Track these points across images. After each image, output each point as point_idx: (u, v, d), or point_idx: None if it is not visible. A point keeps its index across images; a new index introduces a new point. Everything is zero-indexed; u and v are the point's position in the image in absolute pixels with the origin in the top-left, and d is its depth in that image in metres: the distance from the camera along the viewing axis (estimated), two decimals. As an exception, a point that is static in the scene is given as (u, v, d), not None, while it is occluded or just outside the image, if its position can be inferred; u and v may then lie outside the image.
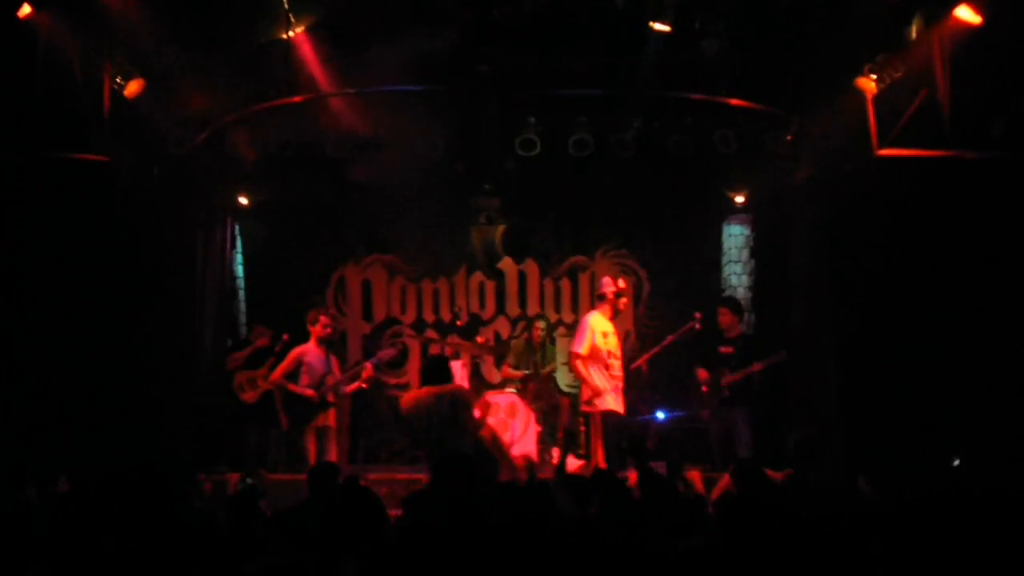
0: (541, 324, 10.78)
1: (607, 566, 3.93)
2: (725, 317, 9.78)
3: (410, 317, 11.75)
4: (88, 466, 7.39)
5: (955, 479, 7.20)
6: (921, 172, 9.01)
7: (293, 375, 9.44)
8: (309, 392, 9.36)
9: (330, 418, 9.51)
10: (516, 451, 9.53)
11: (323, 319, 9.61)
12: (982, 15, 8.14)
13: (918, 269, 9.17)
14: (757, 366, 9.41)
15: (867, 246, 9.37)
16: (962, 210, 9.04)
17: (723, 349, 9.66)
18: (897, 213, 9.15)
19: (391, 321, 11.74)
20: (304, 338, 9.58)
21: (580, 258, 11.86)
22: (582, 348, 8.93)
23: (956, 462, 7.61)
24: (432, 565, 3.87)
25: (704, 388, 9.69)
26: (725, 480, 6.89)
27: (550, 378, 10.90)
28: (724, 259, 11.58)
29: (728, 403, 9.51)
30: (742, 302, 10.40)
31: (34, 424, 8.73)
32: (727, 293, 11.01)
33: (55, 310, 9.00)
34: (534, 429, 9.84)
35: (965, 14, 8.17)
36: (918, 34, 8.57)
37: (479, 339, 11.20)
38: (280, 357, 9.68)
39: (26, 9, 8.09)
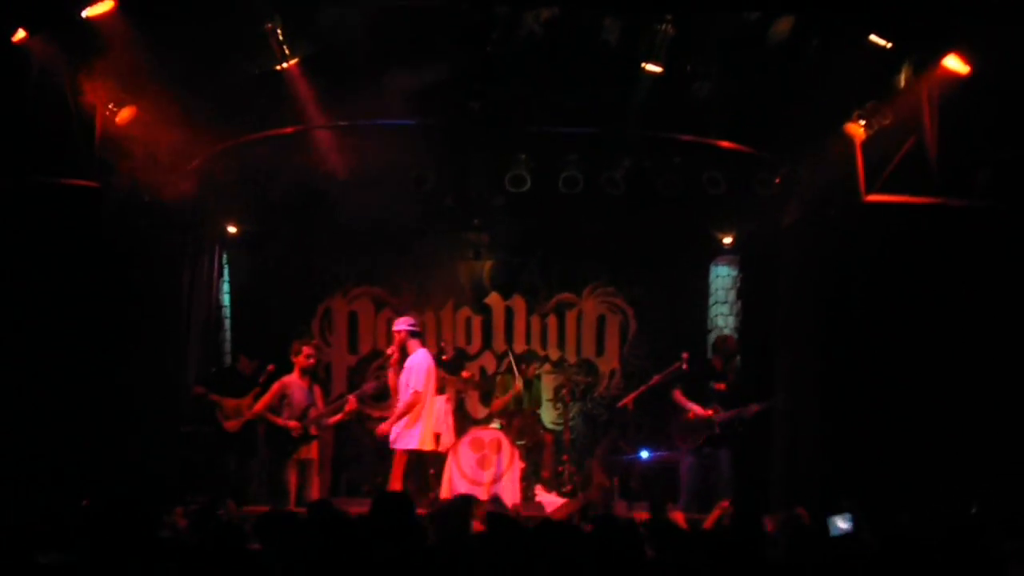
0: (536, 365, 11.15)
1: None
2: (720, 360, 9.74)
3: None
4: (67, 493, 7.32)
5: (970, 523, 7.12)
6: (907, 218, 9.08)
7: (276, 407, 9.39)
8: (292, 424, 9.31)
9: (312, 451, 9.45)
10: (500, 487, 9.52)
11: (306, 350, 9.57)
12: (970, 65, 8.24)
13: (904, 314, 9.19)
14: (755, 407, 9.38)
15: (853, 290, 9.40)
16: (947, 256, 9.09)
17: (717, 385, 9.59)
18: (883, 258, 9.20)
19: (377, 353, 11.71)
20: (289, 369, 9.54)
21: (567, 295, 11.87)
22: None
23: (975, 509, 7.53)
24: None
25: (691, 418, 9.45)
26: (713, 517, 6.87)
27: (535, 415, 10.90)
28: (711, 299, 11.61)
29: (715, 442, 9.42)
30: (732, 343, 10.17)
31: (12, 449, 8.64)
32: (713, 334, 11.00)
33: (39, 335, 8.93)
34: (518, 466, 9.81)
35: (953, 64, 8.28)
36: (907, 82, 8.67)
37: (464, 374, 11.16)
38: (265, 388, 9.63)
39: (20, 34, 8.10)
